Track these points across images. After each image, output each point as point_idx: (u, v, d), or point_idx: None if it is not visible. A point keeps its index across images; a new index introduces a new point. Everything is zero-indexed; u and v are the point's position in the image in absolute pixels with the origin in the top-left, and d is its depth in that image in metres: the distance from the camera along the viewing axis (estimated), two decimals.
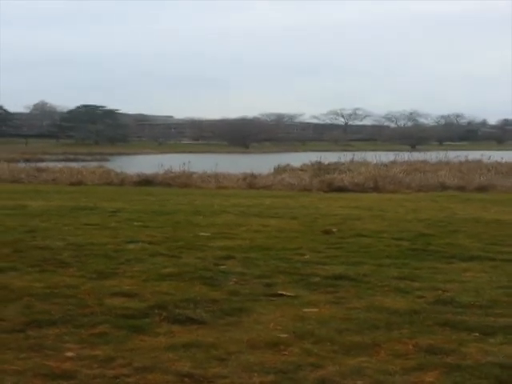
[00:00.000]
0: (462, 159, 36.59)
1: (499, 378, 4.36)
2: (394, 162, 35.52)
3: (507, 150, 75.11)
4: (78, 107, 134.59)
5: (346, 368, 4.55)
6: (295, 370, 4.53)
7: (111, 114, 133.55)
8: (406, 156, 38.28)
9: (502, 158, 36.48)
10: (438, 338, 5.24)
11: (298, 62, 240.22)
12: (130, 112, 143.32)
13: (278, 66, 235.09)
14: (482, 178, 25.88)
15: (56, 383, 4.32)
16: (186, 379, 4.37)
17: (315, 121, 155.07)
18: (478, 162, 36.10)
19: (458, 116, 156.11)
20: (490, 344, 5.07)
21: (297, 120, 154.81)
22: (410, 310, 6.03)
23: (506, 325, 5.54)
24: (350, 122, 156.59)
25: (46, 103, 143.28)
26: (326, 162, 34.99)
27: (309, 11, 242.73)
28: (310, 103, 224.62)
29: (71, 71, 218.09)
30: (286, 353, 4.88)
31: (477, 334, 5.32)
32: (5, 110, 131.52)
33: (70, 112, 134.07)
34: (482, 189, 23.51)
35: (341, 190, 23.22)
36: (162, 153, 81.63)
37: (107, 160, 58.65)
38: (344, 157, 36.34)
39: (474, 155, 38.42)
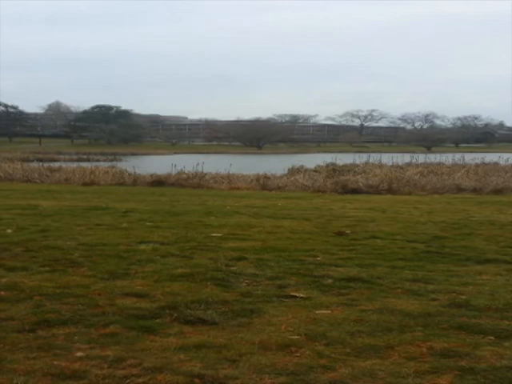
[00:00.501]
0: (479, 161, 36.42)
1: None
2: (409, 164, 35.44)
3: None
4: (93, 107, 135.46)
5: (358, 370, 4.49)
6: (307, 371, 4.47)
7: (125, 114, 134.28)
8: (421, 158, 38.14)
9: None
10: (452, 341, 5.16)
11: (314, 63, 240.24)
12: (144, 112, 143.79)
13: (294, 67, 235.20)
14: (498, 181, 25.71)
15: (65, 383, 4.28)
16: (197, 380, 4.32)
17: (330, 122, 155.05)
18: (495, 165, 35.96)
19: (475, 118, 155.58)
20: (505, 348, 5.00)
21: (312, 121, 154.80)
22: (424, 312, 5.96)
23: None
24: (366, 124, 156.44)
25: (61, 103, 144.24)
26: (341, 164, 34.94)
27: (328, 12, 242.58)
28: (325, 104, 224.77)
29: (86, 72, 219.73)
30: (298, 355, 4.82)
31: (492, 338, 5.24)
32: (19, 110, 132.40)
33: (84, 112, 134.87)
34: (498, 191, 23.33)
35: (355, 191, 23.11)
36: (175, 153, 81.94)
37: (120, 160, 58.85)
38: (359, 158, 36.26)
39: (490, 157, 38.26)
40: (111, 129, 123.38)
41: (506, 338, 5.22)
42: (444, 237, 10.73)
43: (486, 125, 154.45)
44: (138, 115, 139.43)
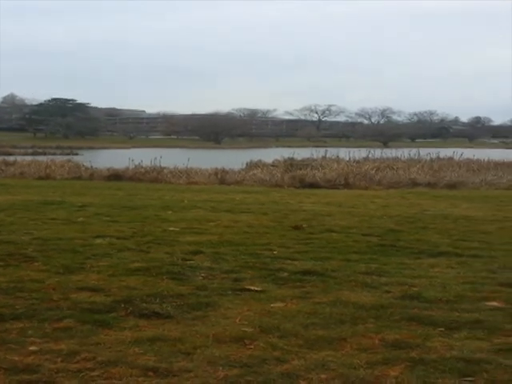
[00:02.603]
0: (434, 156, 36.83)
1: (463, 372, 4.38)
2: (365, 159, 35.67)
3: (479, 147, 76.01)
4: (48, 100, 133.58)
5: (311, 362, 4.55)
6: (260, 364, 4.52)
7: (81, 107, 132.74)
8: (377, 153, 38.45)
9: (474, 156, 36.85)
10: (403, 332, 5.25)
11: (272, 56, 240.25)
12: (101, 106, 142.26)
13: (252, 61, 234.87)
14: (452, 175, 26.10)
15: (19, 377, 4.26)
16: (151, 373, 4.33)
17: (289, 117, 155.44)
18: (450, 160, 36.42)
19: (430, 113, 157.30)
20: (455, 339, 5.10)
21: (270, 116, 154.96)
22: (377, 304, 6.05)
23: (470, 320, 5.57)
24: (324, 119, 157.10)
25: (16, 96, 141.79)
26: (299, 158, 35.05)
27: (290, 4, 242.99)
28: (283, 99, 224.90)
29: (42, 64, 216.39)
30: (252, 347, 4.86)
31: (442, 329, 5.34)
32: None
33: (40, 105, 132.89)
34: (452, 186, 23.73)
35: (312, 186, 23.28)
36: (133, 147, 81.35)
37: (77, 154, 58.28)
38: (316, 153, 36.41)
39: (445, 152, 38.73)
40: (68, 122, 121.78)
41: (456, 330, 5.33)
42: (399, 230, 10.88)
43: (442, 120, 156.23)
44: (95, 108, 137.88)
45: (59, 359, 4.56)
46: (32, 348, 4.79)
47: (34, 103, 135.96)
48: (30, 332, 5.16)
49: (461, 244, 9.55)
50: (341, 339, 5.07)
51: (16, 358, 4.57)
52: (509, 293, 6.55)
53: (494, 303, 6.17)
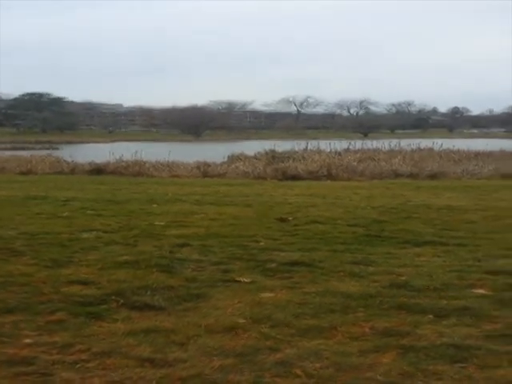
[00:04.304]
0: (414, 147, 37.05)
1: (453, 358, 4.47)
2: (347, 150, 35.81)
3: (458, 137, 76.47)
4: (23, 95, 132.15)
5: (304, 350, 4.62)
6: (254, 353, 4.58)
7: (58, 101, 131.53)
8: (358, 144, 38.60)
9: (454, 146, 37.12)
10: (393, 320, 5.33)
11: (250, 48, 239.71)
12: (78, 100, 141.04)
13: (230, 53, 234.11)
14: (433, 166, 26.27)
15: (15, 370, 4.29)
16: (147, 363, 4.38)
17: (267, 108, 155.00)
18: (430, 150, 36.62)
19: (408, 104, 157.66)
20: (444, 326, 5.19)
21: (248, 108, 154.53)
22: (365, 293, 6.12)
23: (458, 307, 5.66)
24: (303, 110, 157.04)
25: None
26: (280, 151, 35.12)
27: None
28: (260, 91, 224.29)
29: (17, 58, 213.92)
30: (245, 337, 4.92)
31: (431, 317, 5.43)
32: None
33: (15, 100, 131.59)
34: (433, 176, 23.89)
35: (295, 178, 23.34)
36: (112, 141, 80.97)
37: (56, 148, 57.84)
38: (297, 145, 36.48)
39: (425, 143, 38.96)
40: (44, 117, 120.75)
41: (445, 317, 5.41)
42: (383, 221, 10.97)
43: (420, 111, 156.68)
44: (72, 102, 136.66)
45: (54, 351, 4.60)
46: (26, 341, 4.82)
47: (9, 98, 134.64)
48: (23, 325, 5.19)
49: (445, 233, 9.65)
50: (332, 328, 5.14)
51: (11, 351, 4.61)
52: (494, 280, 6.66)
53: (481, 290, 6.27)
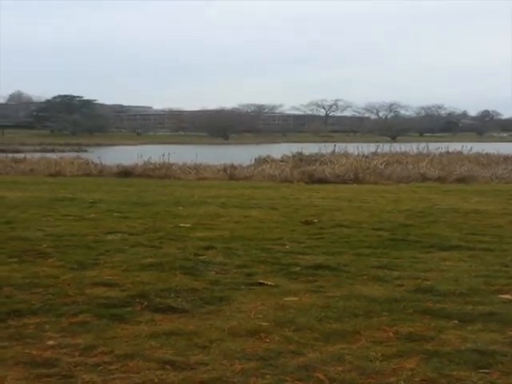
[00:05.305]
0: (443, 151, 36.78)
1: (477, 364, 4.41)
2: (375, 154, 35.61)
3: (487, 141, 75.81)
4: (55, 97, 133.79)
5: (327, 355, 4.58)
6: (276, 357, 4.55)
7: (88, 104, 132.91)
8: (386, 148, 38.39)
9: (483, 150, 36.79)
10: (417, 325, 5.28)
11: (279, 52, 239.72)
12: (108, 102, 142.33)
13: (259, 56, 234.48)
14: (462, 170, 26.05)
15: (38, 371, 4.31)
16: (168, 366, 4.37)
17: (295, 112, 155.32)
18: (459, 154, 36.38)
19: (438, 107, 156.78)
20: (469, 331, 5.13)
21: (277, 111, 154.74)
22: (390, 298, 6.07)
23: (484, 312, 5.59)
24: (331, 114, 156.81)
25: (22, 93, 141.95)
26: (307, 154, 35.05)
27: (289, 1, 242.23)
28: (290, 94, 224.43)
29: (48, 61, 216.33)
30: (267, 340, 4.90)
31: (456, 322, 5.37)
32: None
33: (47, 102, 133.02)
34: (462, 180, 23.69)
35: (322, 181, 23.26)
36: (141, 144, 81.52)
37: (85, 151, 58.49)
38: (325, 148, 36.37)
39: (454, 147, 38.68)
40: (75, 119, 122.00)
41: (470, 322, 5.35)
42: (409, 225, 10.89)
43: (450, 114, 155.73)
44: (102, 105, 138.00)
45: (77, 353, 4.61)
46: (50, 342, 4.84)
47: (41, 100, 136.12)
48: (47, 327, 5.22)
49: (472, 238, 9.55)
50: (355, 332, 5.10)
51: (34, 353, 4.63)
52: None
53: (507, 296, 6.19)
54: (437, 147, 37.62)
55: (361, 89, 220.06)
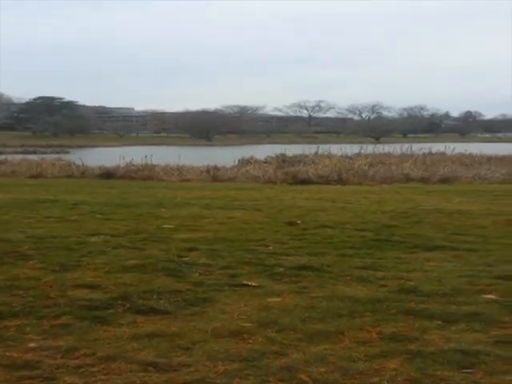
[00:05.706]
0: (426, 152, 36.94)
1: (461, 364, 4.41)
2: (358, 155, 35.72)
3: (470, 142, 76.25)
4: (35, 99, 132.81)
5: (310, 356, 4.56)
6: (259, 357, 4.53)
7: (69, 105, 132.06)
8: (370, 149, 38.50)
9: (466, 150, 36.99)
10: (401, 325, 5.27)
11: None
12: (90, 104, 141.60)
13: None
14: (445, 170, 26.15)
15: (19, 374, 4.26)
16: (151, 368, 4.34)
17: (278, 113, 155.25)
18: (442, 154, 36.54)
19: (421, 108, 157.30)
20: (452, 331, 5.12)
21: (260, 112, 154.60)
22: (373, 298, 6.06)
23: (467, 313, 5.59)
24: (314, 115, 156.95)
25: (2, 94, 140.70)
26: (291, 155, 35.08)
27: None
28: (272, 95, 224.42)
29: (29, 62, 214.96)
30: (250, 341, 4.88)
31: (439, 322, 5.36)
32: None
33: (27, 104, 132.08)
34: (445, 180, 23.80)
35: (305, 182, 23.29)
36: (123, 145, 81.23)
37: (67, 152, 58.23)
38: (308, 149, 36.42)
39: (437, 147, 38.84)
40: (56, 120, 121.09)
41: (453, 322, 5.35)
42: (393, 225, 10.90)
43: (432, 115, 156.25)
44: (83, 106, 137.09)
45: (59, 355, 4.57)
46: (31, 345, 4.79)
47: (22, 102, 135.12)
48: (28, 329, 5.16)
49: (456, 238, 9.57)
50: (338, 333, 5.08)
51: (15, 355, 4.57)
52: (505, 285, 6.58)
53: (491, 296, 6.20)
54: (420, 148, 37.82)
55: (344, 90, 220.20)
